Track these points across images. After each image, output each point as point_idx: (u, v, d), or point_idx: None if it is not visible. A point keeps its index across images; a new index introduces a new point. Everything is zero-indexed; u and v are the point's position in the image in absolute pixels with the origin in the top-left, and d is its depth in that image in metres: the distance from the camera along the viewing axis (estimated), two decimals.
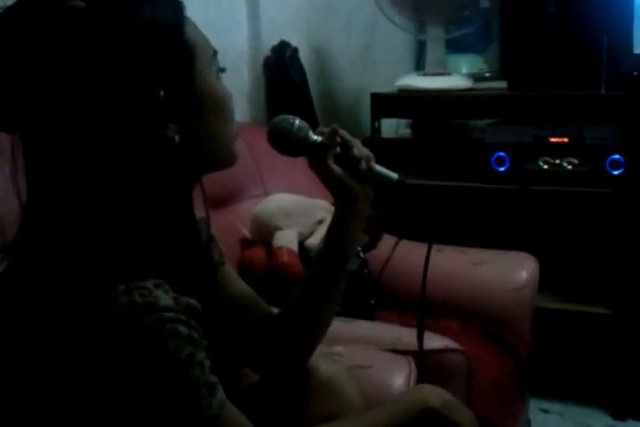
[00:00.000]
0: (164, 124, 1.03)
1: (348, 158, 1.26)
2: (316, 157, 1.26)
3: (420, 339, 1.49)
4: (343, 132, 1.27)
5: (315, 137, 1.27)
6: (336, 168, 1.25)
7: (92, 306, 0.95)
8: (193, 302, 1.00)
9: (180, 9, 1.08)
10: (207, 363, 0.99)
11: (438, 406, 1.25)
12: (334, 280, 1.33)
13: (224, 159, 1.15)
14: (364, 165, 1.27)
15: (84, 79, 0.98)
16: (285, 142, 1.26)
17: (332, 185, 1.28)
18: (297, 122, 1.26)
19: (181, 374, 0.96)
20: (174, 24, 1.06)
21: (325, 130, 1.27)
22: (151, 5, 1.03)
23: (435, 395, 1.28)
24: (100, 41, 0.98)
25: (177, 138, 1.04)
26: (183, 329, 0.96)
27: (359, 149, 1.27)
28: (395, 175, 1.32)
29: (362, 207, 1.30)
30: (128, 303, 0.94)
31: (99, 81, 0.98)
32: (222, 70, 1.14)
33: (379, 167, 1.31)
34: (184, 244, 1.13)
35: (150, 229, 1.05)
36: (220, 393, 1.01)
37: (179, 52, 1.05)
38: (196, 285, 1.13)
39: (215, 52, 1.13)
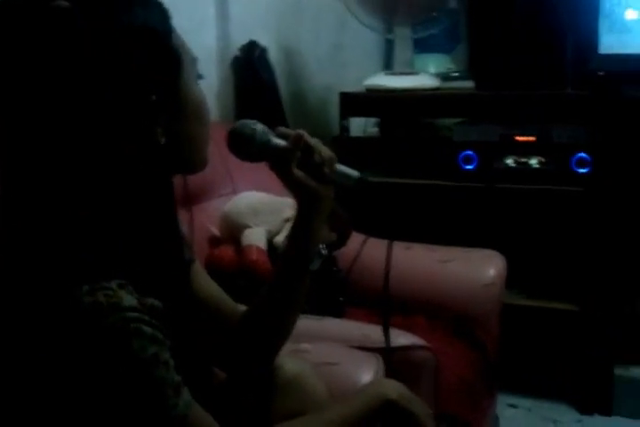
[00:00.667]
0: (153, 126, 1.04)
1: (311, 163, 1.25)
2: (278, 163, 1.24)
3: (387, 335, 1.51)
4: (307, 137, 1.25)
5: (277, 141, 1.24)
6: (299, 173, 1.24)
7: (57, 306, 0.95)
8: (157, 302, 1.01)
9: (167, 16, 1.09)
10: (172, 363, 1.00)
11: (396, 398, 1.28)
12: (298, 279, 1.34)
13: (198, 163, 1.16)
14: (327, 168, 1.26)
15: (70, 79, 0.99)
16: (248, 149, 1.23)
17: (295, 188, 1.27)
18: (259, 127, 1.23)
19: (147, 374, 0.97)
20: (163, 29, 1.07)
21: (288, 132, 1.26)
22: (140, 10, 1.04)
23: (392, 388, 1.31)
24: (85, 41, 0.98)
25: (163, 140, 1.05)
26: (147, 329, 0.97)
27: (322, 153, 1.26)
28: (356, 173, 1.33)
29: (324, 207, 1.29)
30: (92, 304, 0.95)
31: (85, 81, 0.99)
32: (200, 77, 1.15)
33: (341, 167, 1.30)
34: (164, 243, 1.14)
35: (129, 229, 1.06)
36: (186, 393, 1.01)
37: (168, 56, 1.06)
38: (172, 284, 1.14)
39: (195, 59, 1.14)
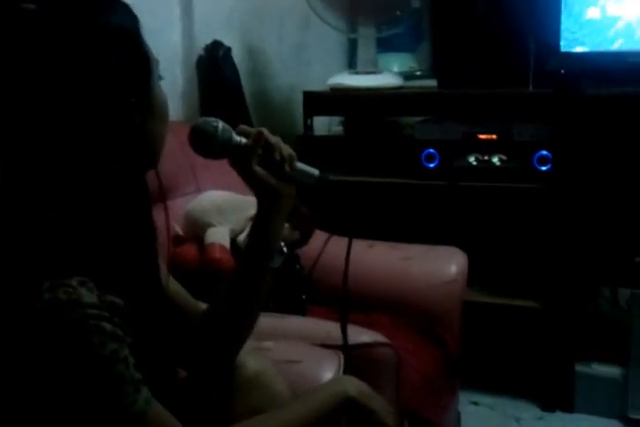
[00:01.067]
0: (129, 126, 1.05)
1: (271, 160, 1.26)
2: (239, 160, 1.25)
3: (344, 332, 1.51)
4: (267, 135, 1.26)
5: (238, 138, 1.25)
6: (259, 170, 1.25)
7: (18, 302, 0.96)
8: (117, 300, 1.01)
9: (137, 18, 1.10)
10: (131, 360, 1.00)
11: (356, 395, 1.30)
12: (258, 277, 1.34)
13: (158, 159, 1.17)
14: (287, 166, 1.28)
15: (40, 81, 1.00)
16: (209, 146, 1.24)
17: (255, 185, 1.28)
18: (220, 125, 1.24)
19: (106, 370, 0.97)
20: (136, 31, 1.08)
21: (249, 130, 1.27)
22: (113, 12, 1.06)
23: (352, 385, 1.33)
24: (52, 43, 0.99)
25: (135, 138, 1.07)
26: (107, 326, 0.98)
27: (282, 151, 1.27)
28: (316, 172, 1.34)
29: (284, 205, 1.30)
30: (52, 300, 0.95)
31: (56, 82, 1.00)
32: (160, 77, 1.16)
33: (301, 165, 1.32)
34: (137, 242, 1.14)
35: (100, 227, 1.07)
36: (146, 390, 1.02)
37: (142, 57, 1.08)
38: (143, 282, 1.15)
39: (157, 61, 1.14)
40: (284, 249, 1.36)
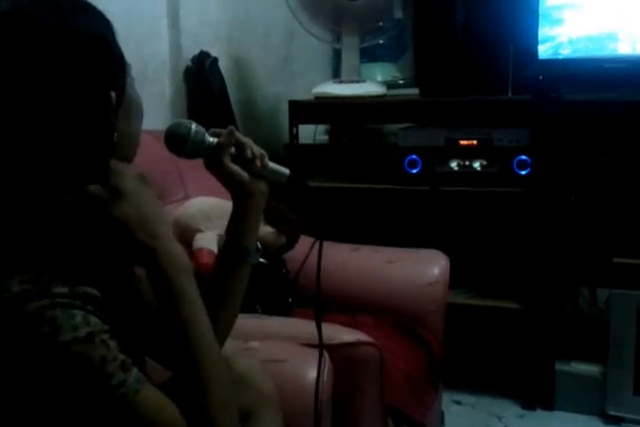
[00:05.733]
0: (109, 125, 1.09)
1: (242, 158, 1.32)
2: (212, 158, 1.31)
3: (319, 331, 1.52)
4: (238, 134, 1.32)
5: (211, 139, 1.31)
6: (232, 165, 1.30)
7: None
8: (91, 290, 1.03)
9: (110, 24, 1.13)
10: (113, 344, 1.01)
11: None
12: (237, 273, 1.38)
13: (129, 158, 1.19)
14: (258, 163, 1.33)
15: (6, 81, 1.03)
16: (183, 147, 1.29)
17: (229, 182, 1.33)
18: (193, 126, 1.29)
19: (84, 353, 0.98)
20: (111, 36, 1.12)
21: (221, 131, 1.32)
22: (89, 18, 1.09)
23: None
24: (23, 45, 1.03)
25: (115, 138, 1.10)
26: (78, 312, 0.99)
27: (253, 149, 1.33)
28: (287, 171, 1.40)
29: (258, 202, 1.36)
30: (20, 291, 0.98)
31: (21, 83, 1.03)
32: (132, 78, 1.19)
33: (272, 164, 1.37)
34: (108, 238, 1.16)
35: (72, 223, 1.09)
36: (135, 371, 1.03)
37: (117, 61, 1.12)
38: (114, 277, 1.17)
39: (130, 65, 1.18)
40: (259, 246, 1.41)
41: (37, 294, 0.98)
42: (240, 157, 1.32)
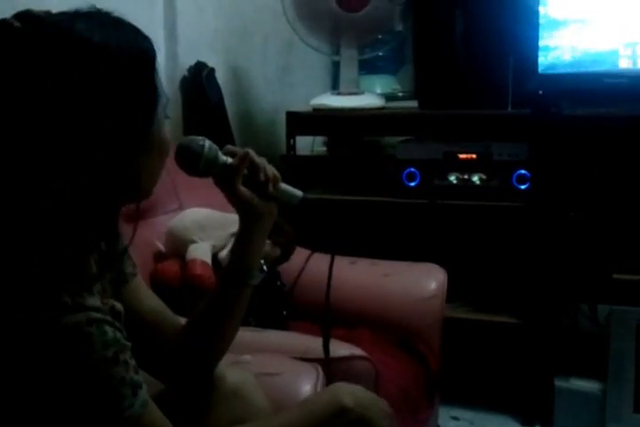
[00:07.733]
0: (117, 156, 1.06)
1: (255, 181, 1.29)
2: (224, 179, 1.28)
3: (326, 346, 1.52)
4: (253, 155, 1.28)
5: (224, 158, 1.27)
6: (244, 190, 1.28)
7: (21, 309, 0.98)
8: (118, 305, 1.06)
9: (153, 54, 1.13)
10: (132, 363, 1.03)
11: (352, 405, 1.29)
12: (238, 293, 1.37)
13: (148, 194, 1.17)
14: (271, 187, 1.30)
15: (22, 100, 1.01)
16: (195, 164, 1.26)
17: (239, 204, 1.30)
18: (207, 144, 1.26)
19: (108, 372, 0.99)
20: (153, 60, 1.11)
21: (235, 150, 1.29)
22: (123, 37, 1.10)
23: (348, 394, 1.32)
24: (32, 62, 1.01)
25: (122, 171, 1.08)
26: (109, 329, 1.00)
27: (267, 171, 1.30)
28: (299, 193, 1.36)
29: (266, 224, 1.34)
30: (56, 304, 0.98)
31: (36, 104, 1.01)
32: (167, 117, 1.16)
33: (284, 186, 1.34)
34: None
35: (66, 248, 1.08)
36: (143, 393, 1.04)
37: (148, 89, 1.10)
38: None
39: (168, 99, 1.16)
40: (264, 267, 1.39)
41: (73, 307, 0.98)
42: (252, 180, 1.29)
